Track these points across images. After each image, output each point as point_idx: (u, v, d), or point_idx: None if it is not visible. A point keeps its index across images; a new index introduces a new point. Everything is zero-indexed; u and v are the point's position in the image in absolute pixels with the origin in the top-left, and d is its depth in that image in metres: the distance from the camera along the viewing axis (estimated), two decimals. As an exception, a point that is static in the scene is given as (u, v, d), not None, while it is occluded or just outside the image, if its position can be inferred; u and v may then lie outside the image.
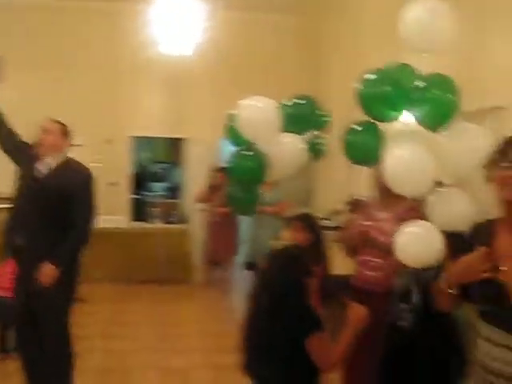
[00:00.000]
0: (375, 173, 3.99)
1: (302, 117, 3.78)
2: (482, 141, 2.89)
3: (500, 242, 2.17)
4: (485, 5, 4.46)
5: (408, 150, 2.91)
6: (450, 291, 2.24)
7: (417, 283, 3.06)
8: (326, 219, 6.85)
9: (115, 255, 8.20)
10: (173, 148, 11.45)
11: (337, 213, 6.82)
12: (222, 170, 7.93)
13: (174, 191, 11.09)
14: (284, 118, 3.64)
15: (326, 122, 4.15)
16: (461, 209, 2.94)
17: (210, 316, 7.14)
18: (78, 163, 4.16)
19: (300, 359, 2.65)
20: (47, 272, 3.90)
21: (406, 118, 3.10)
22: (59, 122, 4.14)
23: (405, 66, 3.12)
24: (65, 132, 4.14)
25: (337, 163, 7.70)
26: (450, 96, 2.93)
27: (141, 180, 11.13)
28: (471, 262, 2.10)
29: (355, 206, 4.06)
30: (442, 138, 2.98)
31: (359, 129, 3.29)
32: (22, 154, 4.06)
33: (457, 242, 2.50)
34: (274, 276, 2.76)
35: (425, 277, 2.96)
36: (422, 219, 2.98)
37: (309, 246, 3.75)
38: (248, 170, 3.66)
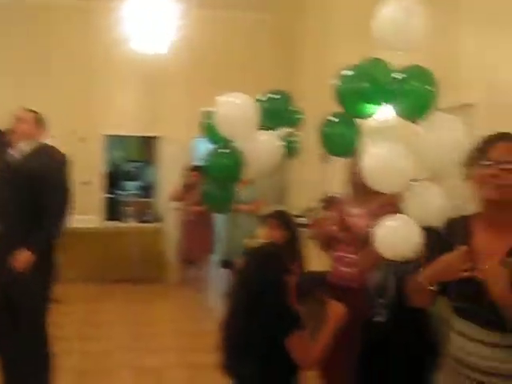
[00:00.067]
0: (349, 169, 4.03)
1: (276, 112, 3.78)
2: (459, 132, 2.94)
3: (477, 239, 2.19)
4: (457, 3, 4.52)
5: (386, 147, 2.92)
6: (431, 288, 2.26)
7: (392, 278, 3.08)
8: (300, 217, 6.87)
9: (89, 255, 8.14)
10: (146, 146, 11.39)
11: (311, 210, 6.84)
12: (197, 168, 7.92)
13: (147, 190, 11.03)
14: (258, 113, 3.64)
15: (299, 119, 4.16)
16: (436, 203, 2.96)
17: (185, 315, 7.12)
18: (53, 148, 4.12)
19: (279, 357, 2.65)
20: (22, 258, 3.84)
21: (383, 114, 3.11)
22: (33, 111, 4.11)
23: (379, 60, 3.13)
24: (38, 120, 4.11)
25: (310, 161, 7.76)
26: (429, 87, 2.95)
27: (114, 179, 11.05)
28: (451, 261, 2.12)
29: (329, 203, 4.08)
30: (419, 129, 3.00)
31: (336, 120, 3.29)
32: None
33: (432, 238, 2.51)
34: (251, 275, 2.76)
35: (400, 272, 2.99)
36: (395, 213, 2.99)
37: (284, 243, 3.77)
38: (224, 168, 3.65)
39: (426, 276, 2.26)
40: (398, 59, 3.07)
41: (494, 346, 2.07)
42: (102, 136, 9.24)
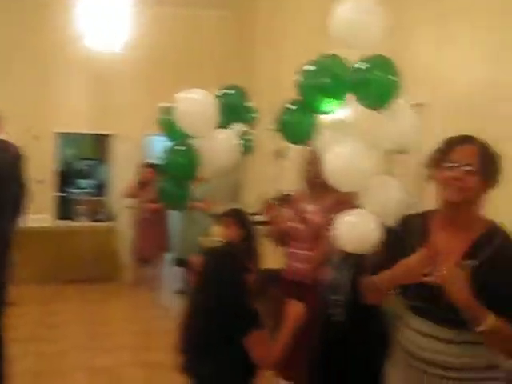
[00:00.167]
0: (303, 166, 4.08)
1: (231, 107, 3.77)
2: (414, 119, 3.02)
3: (436, 239, 2.24)
4: (409, 4, 4.61)
5: (349, 147, 2.93)
6: (391, 292, 2.32)
7: (347, 275, 3.13)
8: (254, 214, 6.91)
9: (41, 255, 7.99)
10: (99, 144, 11.26)
11: (263, 211, 6.87)
12: (151, 165, 7.88)
13: (100, 188, 10.91)
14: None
15: (253, 117, 4.17)
16: (394, 197, 2.99)
17: (139, 314, 7.07)
18: (7, 142, 4.03)
19: (238, 357, 2.65)
20: None
21: (344, 110, 3.13)
22: None
23: (338, 56, 3.14)
24: None
25: (265, 159, 7.80)
26: (392, 77, 2.97)
27: (67, 177, 10.89)
28: (411, 266, 2.15)
29: (284, 200, 4.12)
30: (379, 121, 3.04)
31: (294, 108, 3.30)
32: None
33: (389, 237, 2.54)
34: (210, 275, 2.75)
35: (355, 268, 3.04)
36: (349, 209, 3.02)
37: (240, 241, 3.78)
38: (180, 165, 3.62)
39: (385, 280, 2.29)
40: (353, 57, 3.10)
41: (449, 342, 2.14)
42: (55, 134, 9.10)
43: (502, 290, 2.09)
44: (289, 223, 4.03)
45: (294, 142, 3.45)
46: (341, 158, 2.92)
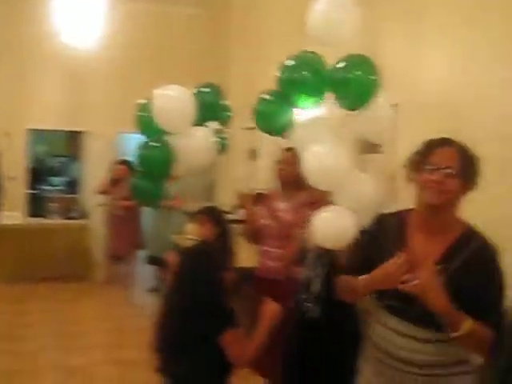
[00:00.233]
0: (276, 165, 4.12)
1: (207, 105, 3.76)
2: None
3: (413, 241, 2.26)
4: (381, 3, 4.66)
5: (326, 145, 2.94)
6: (368, 296, 2.34)
7: (321, 272, 3.15)
8: (228, 213, 6.92)
9: (13, 253, 7.93)
10: (72, 141, 11.15)
11: (239, 206, 6.90)
12: (124, 162, 7.85)
13: (73, 186, 10.81)
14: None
15: (228, 116, 4.18)
16: (368, 192, 3.02)
17: (112, 312, 7.04)
18: None
19: (214, 356, 2.65)
20: None
21: (321, 107, 3.14)
22: None
23: (317, 53, 3.15)
24: None
25: (238, 158, 7.82)
26: (371, 76, 3.00)
27: (38, 174, 10.78)
28: (389, 272, 2.15)
29: (257, 198, 4.14)
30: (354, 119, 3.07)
31: (270, 98, 3.29)
32: None
33: (364, 236, 2.55)
34: (185, 274, 2.74)
35: (329, 265, 3.07)
36: (321, 207, 3.03)
37: (215, 239, 3.78)
38: (155, 162, 3.61)
39: (362, 284, 2.29)
40: (328, 55, 3.11)
41: (426, 341, 2.17)
42: (27, 130, 9.00)
43: (477, 293, 2.11)
44: (261, 221, 4.06)
45: (269, 133, 3.43)
46: (318, 156, 2.92)
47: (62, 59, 8.46)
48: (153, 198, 3.93)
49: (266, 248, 4.07)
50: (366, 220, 2.64)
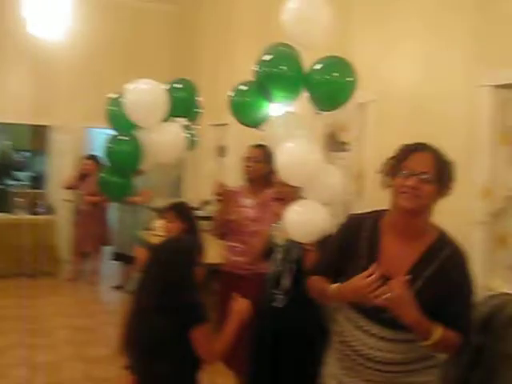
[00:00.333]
0: (244, 162, 4.15)
1: (181, 101, 3.76)
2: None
3: (386, 245, 2.27)
4: (351, 3, 4.71)
5: (299, 143, 2.95)
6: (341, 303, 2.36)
7: (288, 266, 3.18)
8: (196, 209, 6.94)
9: (-23, 249, 7.81)
10: (37, 135, 11.00)
11: (207, 203, 6.92)
12: (92, 157, 7.80)
13: (38, 181, 10.69)
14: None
15: (197, 112, 4.18)
16: (335, 183, 3.04)
17: (79, 309, 7.00)
18: None
19: (185, 352, 2.66)
20: None
21: (294, 103, 3.15)
22: None
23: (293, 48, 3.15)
24: None
25: (206, 154, 7.83)
26: (349, 78, 3.03)
27: (3, 169, 10.63)
28: (360, 286, 2.13)
29: (224, 195, 4.15)
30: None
31: (246, 89, 3.29)
32: None
33: (337, 235, 2.53)
34: (156, 271, 2.72)
35: (297, 259, 3.11)
36: (289, 203, 3.05)
37: (184, 235, 3.79)
38: (124, 157, 3.59)
39: (332, 294, 2.30)
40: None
41: (394, 341, 2.20)
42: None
43: (449, 299, 2.15)
44: (228, 217, 4.10)
45: (245, 124, 3.43)
46: (292, 151, 2.93)
47: (28, 51, 8.31)
48: (121, 192, 3.92)
49: (231, 243, 4.13)
50: (336, 213, 2.66)
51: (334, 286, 2.30)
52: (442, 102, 3.83)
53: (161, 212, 4.23)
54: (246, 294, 2.96)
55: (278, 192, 3.38)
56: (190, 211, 4.11)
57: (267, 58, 3.09)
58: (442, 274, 2.17)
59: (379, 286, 2.07)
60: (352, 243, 2.33)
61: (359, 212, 2.54)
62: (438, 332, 2.08)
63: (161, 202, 5.63)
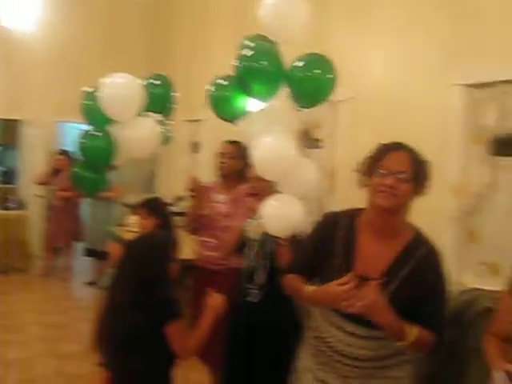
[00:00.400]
0: (217, 157, 4.16)
1: (157, 97, 3.75)
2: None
3: (364, 246, 2.28)
4: (327, 1, 4.74)
5: (275, 138, 2.94)
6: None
7: (262, 262, 3.20)
8: (170, 205, 6.92)
9: None
10: (8, 130, 10.84)
11: (180, 199, 6.91)
12: (64, 152, 7.73)
13: (9, 176, 10.53)
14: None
15: (172, 107, 4.17)
16: (309, 177, 3.05)
17: (51, 306, 6.94)
18: None
19: (160, 348, 2.65)
20: None
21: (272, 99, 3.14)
22: None
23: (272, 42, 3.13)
24: None
25: (179, 149, 7.81)
26: (329, 75, 3.04)
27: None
28: (334, 295, 2.13)
29: (197, 190, 4.15)
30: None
31: (225, 83, 3.27)
32: None
33: (314, 232, 2.53)
34: (130, 267, 2.70)
35: (270, 256, 3.12)
36: (264, 198, 3.06)
37: (158, 231, 3.78)
38: (97, 152, 3.56)
39: (308, 297, 2.31)
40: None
41: (368, 338, 2.22)
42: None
43: (425, 299, 2.18)
44: (201, 212, 4.10)
45: (223, 118, 3.43)
46: (268, 146, 2.92)
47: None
48: (94, 188, 3.89)
49: (204, 238, 4.14)
50: (309, 210, 2.67)
51: (310, 288, 2.31)
52: (415, 100, 3.87)
53: (134, 208, 4.21)
54: (220, 289, 2.97)
55: (253, 187, 3.39)
56: (164, 207, 4.10)
57: (248, 52, 3.08)
58: (418, 274, 2.19)
59: (353, 293, 2.08)
60: (328, 242, 2.34)
61: (335, 210, 2.54)
62: (413, 333, 2.11)
63: (134, 198, 5.60)
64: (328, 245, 2.33)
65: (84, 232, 7.77)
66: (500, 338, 1.99)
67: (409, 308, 2.15)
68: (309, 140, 4.93)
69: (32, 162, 8.78)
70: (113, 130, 3.55)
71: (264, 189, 3.19)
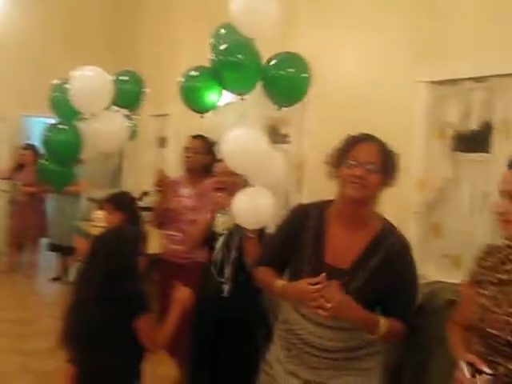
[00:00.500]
0: (183, 153, 4.17)
1: (126, 93, 3.73)
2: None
3: (334, 237, 2.29)
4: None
5: (245, 131, 2.94)
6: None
7: (233, 254, 3.21)
8: (137, 200, 6.88)
9: None
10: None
11: (146, 194, 6.88)
12: (30, 147, 7.63)
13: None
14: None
15: (140, 103, 4.15)
16: (279, 169, 3.08)
17: (15, 302, 6.84)
18: None
19: (128, 342, 2.64)
20: None
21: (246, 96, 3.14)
22: None
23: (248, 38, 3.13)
24: None
25: (146, 144, 7.78)
26: (304, 74, 3.06)
27: None
28: (304, 291, 2.14)
29: (164, 184, 4.15)
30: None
31: (195, 74, 3.27)
32: None
33: (283, 224, 2.53)
34: (98, 261, 2.69)
35: (239, 249, 3.14)
36: (231, 193, 3.08)
37: (125, 225, 3.76)
38: (62, 146, 3.53)
39: (278, 291, 2.32)
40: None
41: (339, 329, 2.21)
42: None
43: (395, 289, 2.20)
44: (167, 206, 4.11)
45: (194, 110, 3.41)
46: (239, 141, 2.92)
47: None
48: (60, 181, 3.86)
49: (170, 232, 4.15)
50: (278, 202, 2.68)
51: (280, 283, 2.32)
52: (381, 97, 3.92)
53: (100, 203, 4.18)
54: (185, 282, 2.97)
55: (220, 182, 3.40)
56: (131, 201, 4.08)
57: (223, 46, 3.08)
58: (387, 263, 2.21)
59: (322, 294, 2.09)
60: (298, 233, 2.34)
61: (305, 202, 2.57)
62: (384, 325, 2.14)
63: (100, 193, 5.57)
64: (298, 236, 2.34)
65: (49, 227, 7.69)
66: (463, 326, 2.03)
67: (380, 297, 2.19)
68: (276, 135, 4.96)
69: (-4, 156, 8.66)
70: (80, 123, 3.53)
71: (231, 183, 3.21)
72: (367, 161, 2.17)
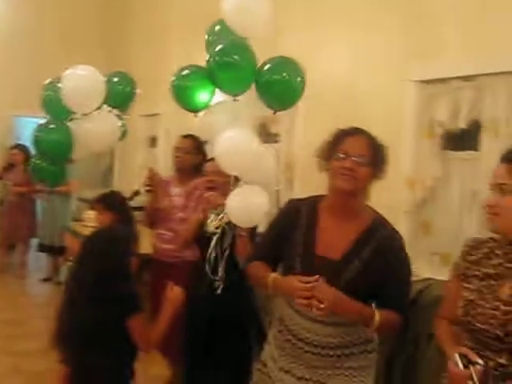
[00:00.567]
0: (173, 152, 4.17)
1: (117, 94, 3.73)
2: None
3: (323, 228, 2.30)
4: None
5: (237, 132, 2.94)
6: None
7: (222, 255, 3.22)
8: (127, 199, 6.87)
9: None
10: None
11: (136, 193, 6.87)
12: (19, 147, 7.60)
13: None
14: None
15: (131, 103, 4.15)
16: (269, 166, 3.09)
17: (6, 302, 6.81)
18: None
19: (120, 343, 2.64)
20: None
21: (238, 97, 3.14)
22: None
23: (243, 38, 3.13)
24: None
25: (136, 144, 7.78)
26: (298, 79, 3.07)
27: None
28: (296, 288, 2.15)
29: (154, 184, 4.15)
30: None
31: (187, 73, 3.26)
32: None
33: (276, 220, 2.55)
34: (90, 261, 2.68)
35: (231, 246, 3.15)
36: (222, 192, 3.10)
37: (117, 225, 3.76)
38: (53, 145, 3.52)
39: (270, 285, 2.32)
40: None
41: (333, 325, 2.22)
42: None
43: (387, 281, 2.21)
44: (158, 206, 4.12)
45: (186, 109, 3.40)
46: (231, 141, 2.91)
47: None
48: (54, 179, 3.85)
49: (160, 231, 4.15)
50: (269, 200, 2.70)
51: (272, 275, 2.34)
52: (370, 95, 3.94)
53: (91, 202, 4.17)
54: (176, 281, 2.96)
55: (211, 181, 3.41)
56: (122, 201, 4.05)
57: (219, 46, 3.08)
58: (379, 255, 2.22)
59: (313, 294, 2.10)
60: (291, 228, 2.36)
61: (297, 197, 2.56)
62: (378, 317, 2.15)
63: (91, 193, 5.55)
64: (291, 231, 2.35)
65: (39, 227, 7.66)
66: (450, 321, 2.05)
67: (372, 290, 2.20)
68: (267, 134, 4.97)
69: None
70: (71, 123, 3.52)
71: (222, 183, 3.21)
72: (357, 153, 2.19)
